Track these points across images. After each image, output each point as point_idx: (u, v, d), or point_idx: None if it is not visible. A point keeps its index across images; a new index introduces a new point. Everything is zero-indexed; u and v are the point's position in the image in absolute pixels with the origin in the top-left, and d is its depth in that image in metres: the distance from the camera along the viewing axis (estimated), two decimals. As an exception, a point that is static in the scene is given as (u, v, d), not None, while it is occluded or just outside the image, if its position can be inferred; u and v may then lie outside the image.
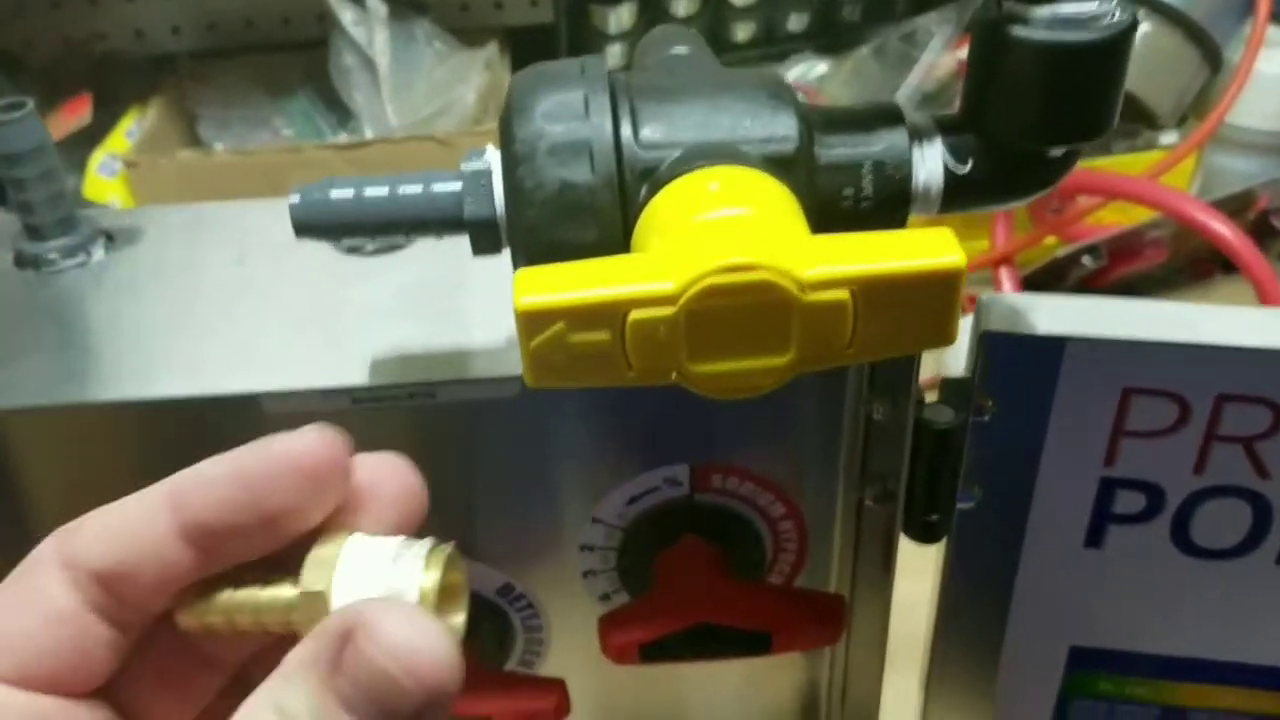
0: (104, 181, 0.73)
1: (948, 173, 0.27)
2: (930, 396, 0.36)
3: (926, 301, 0.24)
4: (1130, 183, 0.64)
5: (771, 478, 0.41)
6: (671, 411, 0.39)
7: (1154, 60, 0.73)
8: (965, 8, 0.86)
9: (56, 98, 0.76)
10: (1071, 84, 0.27)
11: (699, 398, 0.39)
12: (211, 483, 0.24)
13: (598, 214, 0.26)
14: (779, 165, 0.26)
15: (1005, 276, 0.70)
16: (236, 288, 0.37)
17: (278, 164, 0.67)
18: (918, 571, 0.41)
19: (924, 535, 0.36)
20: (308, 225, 0.29)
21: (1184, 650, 0.39)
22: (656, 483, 0.41)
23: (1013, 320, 0.33)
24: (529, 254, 0.27)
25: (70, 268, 0.37)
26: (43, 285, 0.36)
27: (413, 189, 0.28)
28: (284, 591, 0.24)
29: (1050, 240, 0.73)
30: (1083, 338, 0.32)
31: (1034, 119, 0.27)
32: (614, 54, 0.83)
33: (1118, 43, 0.26)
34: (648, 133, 0.26)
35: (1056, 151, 0.28)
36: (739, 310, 0.24)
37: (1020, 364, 0.33)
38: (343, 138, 0.72)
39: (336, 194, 0.28)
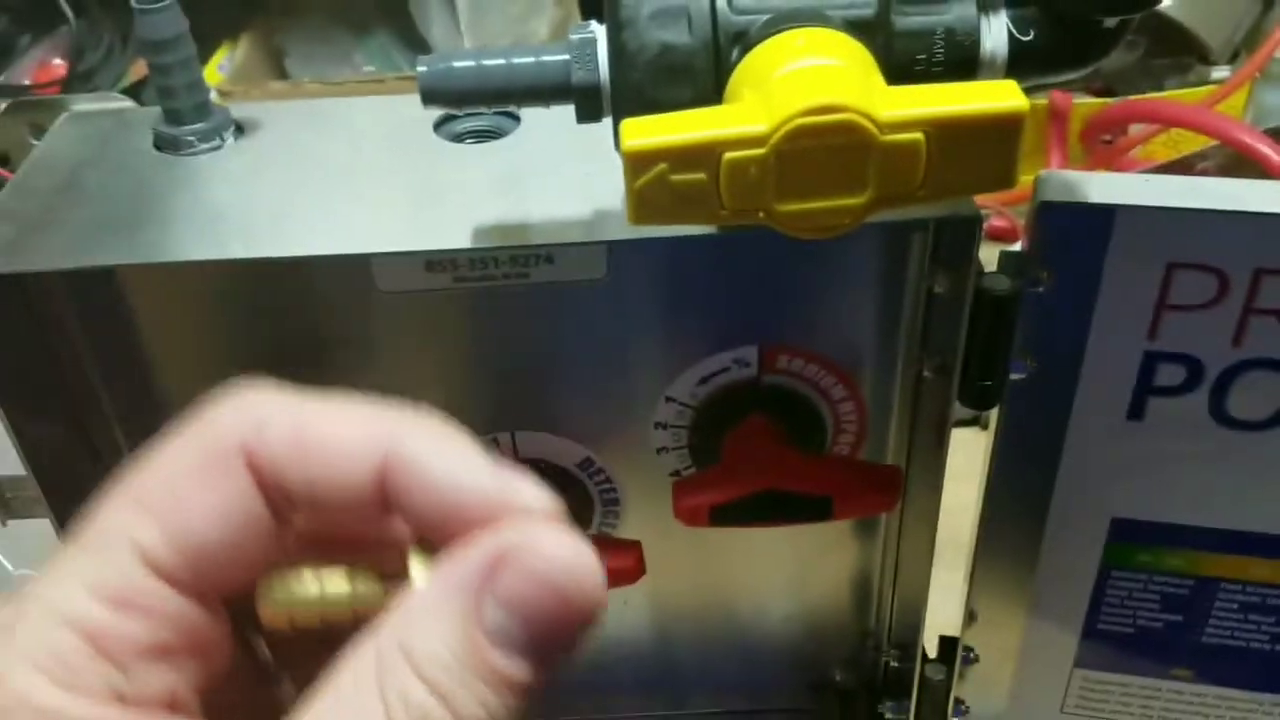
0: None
1: (1012, 40, 0.30)
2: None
3: (992, 144, 0.27)
4: (1181, 109, 0.67)
5: (834, 359, 0.44)
6: (741, 294, 0.43)
7: (1208, -4, 0.75)
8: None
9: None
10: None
11: (768, 279, 0.42)
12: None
13: (694, 74, 0.29)
14: (859, 29, 0.29)
15: (1057, 206, 0.73)
16: (350, 169, 0.40)
17: (362, 94, 0.71)
18: (966, 476, 0.44)
19: (979, 402, 0.39)
20: (433, 92, 0.32)
21: (1219, 522, 0.42)
22: (726, 363, 0.44)
23: (1068, 191, 0.35)
24: (630, 115, 0.30)
25: (204, 150, 0.40)
26: (180, 166, 0.40)
27: (525, 59, 0.32)
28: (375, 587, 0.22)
29: (1102, 170, 0.75)
30: (1131, 206, 0.35)
31: (1090, -9, 0.30)
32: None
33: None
34: (739, -1, 0.29)
35: (1110, 22, 0.30)
36: (823, 151, 0.27)
37: (1073, 234, 0.36)
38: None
39: (459, 64, 0.32)
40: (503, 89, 0.32)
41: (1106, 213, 0.36)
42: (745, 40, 0.29)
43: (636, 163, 0.28)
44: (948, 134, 0.27)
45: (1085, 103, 0.77)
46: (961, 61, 0.30)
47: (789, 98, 0.27)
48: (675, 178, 0.27)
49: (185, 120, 0.40)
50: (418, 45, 0.82)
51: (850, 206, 0.28)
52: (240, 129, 0.42)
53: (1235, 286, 0.36)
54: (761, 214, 0.28)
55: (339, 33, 0.82)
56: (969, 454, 0.43)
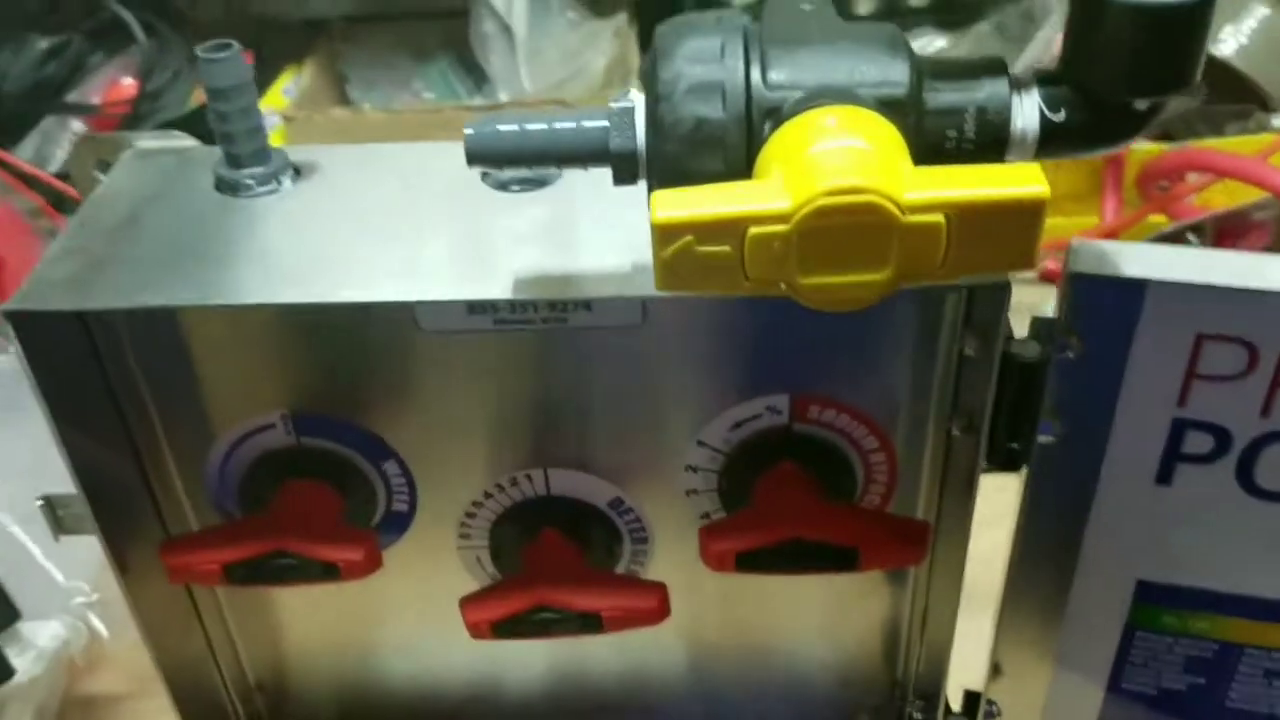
0: (262, 134, 0.80)
1: (1043, 120, 0.31)
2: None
3: (1013, 227, 0.28)
4: (1238, 161, 0.66)
5: (866, 411, 0.45)
6: (775, 344, 0.44)
7: (1269, 44, 0.74)
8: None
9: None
10: (1159, 42, 0.30)
11: (802, 331, 0.43)
12: None
13: (726, 147, 0.30)
14: (890, 107, 0.30)
15: (1106, 252, 0.72)
16: (401, 213, 0.42)
17: (420, 123, 0.73)
18: (995, 522, 0.44)
19: (1006, 464, 0.39)
20: (478, 153, 0.33)
21: (1244, 588, 0.42)
22: (758, 410, 0.45)
23: (1100, 263, 0.36)
24: (663, 182, 0.31)
25: (263, 194, 0.42)
26: (239, 208, 0.42)
27: (567, 124, 0.33)
28: None
29: (1157, 218, 0.75)
30: (1162, 281, 0.35)
31: (1124, 73, 0.30)
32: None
33: (1202, 6, 0.29)
34: (775, 75, 0.30)
35: (1143, 104, 0.31)
36: (846, 229, 0.28)
37: (1104, 305, 0.36)
38: (478, 100, 0.78)
39: (504, 127, 0.33)
40: (543, 151, 0.33)
41: (1137, 286, 0.36)
42: (778, 116, 0.30)
43: (665, 234, 0.29)
44: (969, 217, 0.27)
45: (1142, 149, 0.77)
46: (993, 140, 0.31)
47: (814, 177, 0.27)
48: (702, 249, 0.28)
49: (244, 164, 0.42)
50: (478, 72, 0.84)
51: (871, 282, 0.29)
52: (297, 172, 0.43)
53: (1264, 359, 0.36)
54: (784, 285, 0.29)
55: (401, 59, 0.84)
56: (1004, 498, 0.43)
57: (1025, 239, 0.28)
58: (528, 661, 0.55)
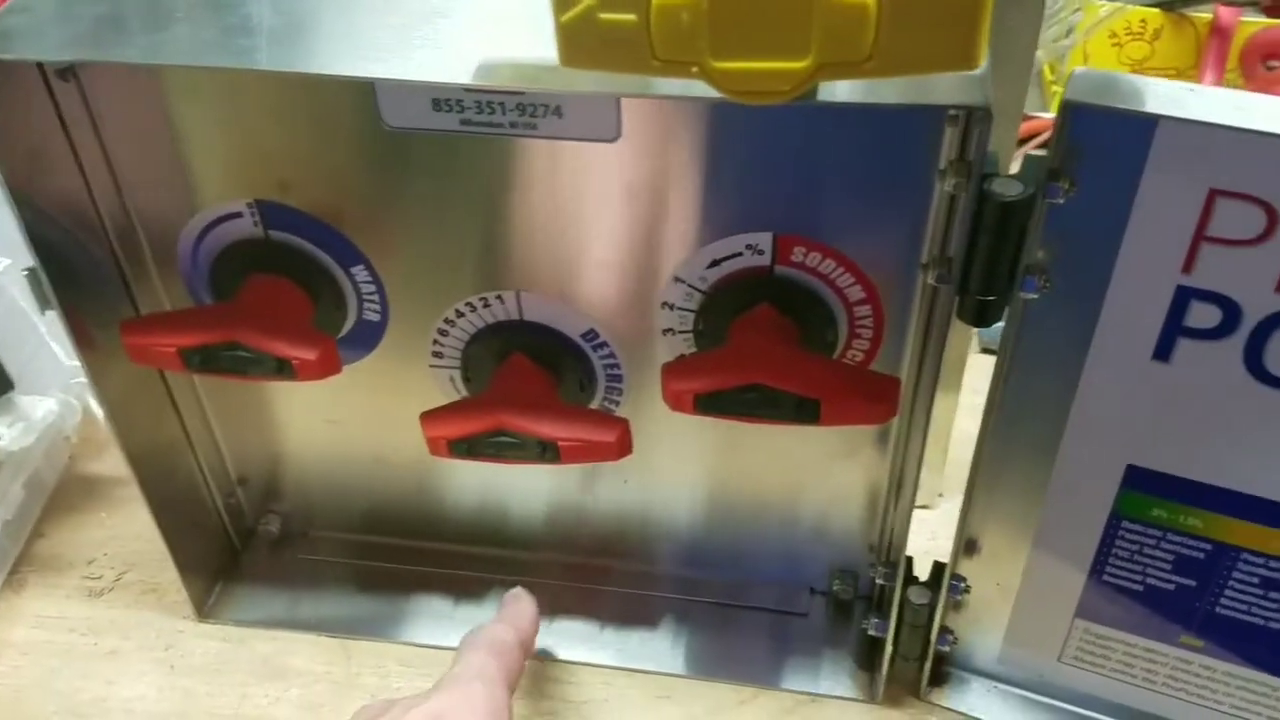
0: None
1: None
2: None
3: (949, 13, 0.24)
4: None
5: (853, 257, 0.41)
6: (760, 177, 0.40)
7: None
8: None
9: None
10: None
11: (789, 165, 0.40)
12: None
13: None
14: None
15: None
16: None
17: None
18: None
19: (976, 317, 0.36)
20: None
21: (1245, 486, 0.38)
22: (739, 248, 0.42)
23: (1103, 93, 0.31)
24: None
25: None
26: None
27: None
28: None
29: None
30: (1176, 119, 0.31)
31: None
32: None
33: None
34: None
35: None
36: (762, 5, 0.25)
37: (1106, 143, 0.32)
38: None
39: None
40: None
41: (1146, 123, 0.32)
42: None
43: (565, -3, 0.26)
44: (900, -2, 0.24)
45: (1253, 21, 0.69)
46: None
47: (728, -59, 0.24)
48: (604, 16, 0.26)
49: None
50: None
51: (789, 70, 0.25)
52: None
53: (1286, 223, 0.32)
54: (695, 69, 0.26)
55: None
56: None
57: (964, 29, 0.24)
58: (527, 493, 0.54)
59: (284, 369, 0.43)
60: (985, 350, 0.63)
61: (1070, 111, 0.32)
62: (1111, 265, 0.35)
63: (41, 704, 0.49)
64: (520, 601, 0.48)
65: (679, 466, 0.51)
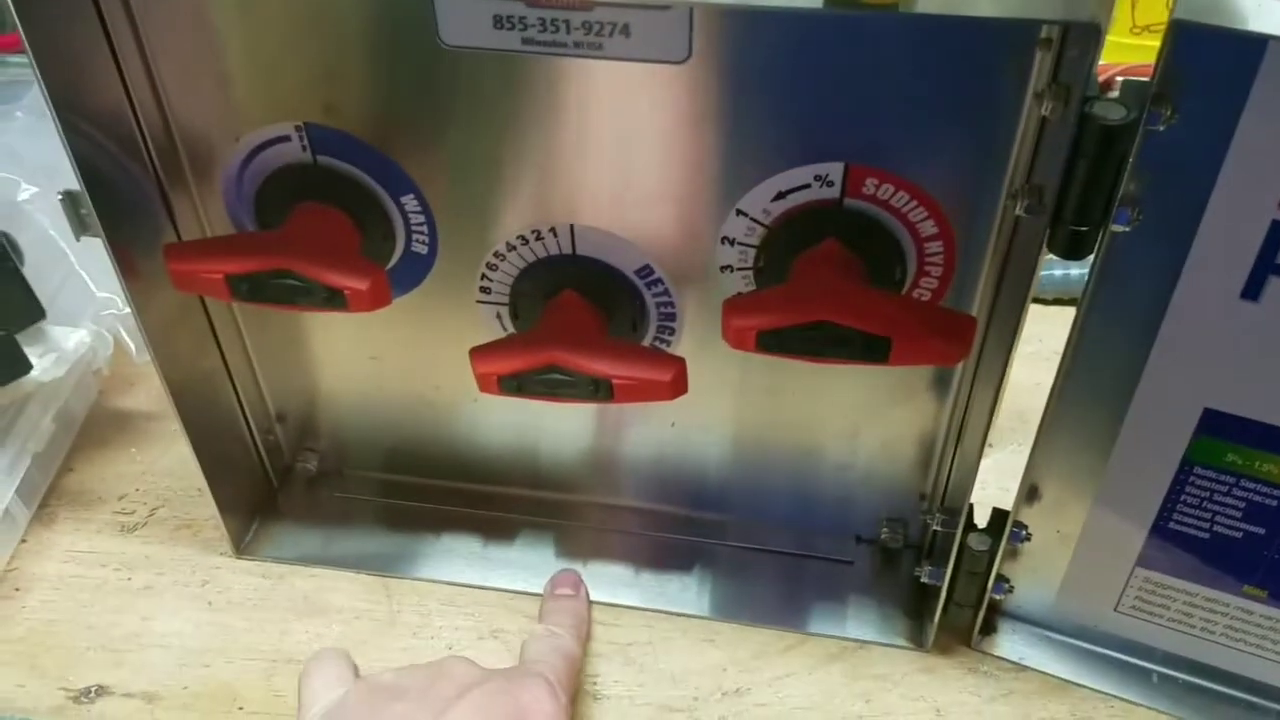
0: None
1: None
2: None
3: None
4: None
5: (928, 189, 0.40)
6: (833, 103, 0.39)
7: None
8: None
9: None
10: None
11: (866, 88, 0.38)
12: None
13: None
14: None
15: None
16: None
17: None
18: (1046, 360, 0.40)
19: (1069, 250, 0.35)
20: None
21: (1329, 430, 0.37)
22: (806, 179, 0.41)
23: (1212, 11, 0.30)
24: None
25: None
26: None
27: None
28: None
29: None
30: (1290, 40, 0.30)
31: None
32: None
33: None
34: None
35: None
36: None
37: (1212, 65, 0.31)
38: None
39: None
40: None
41: (1256, 44, 0.30)
42: None
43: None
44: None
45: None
46: None
47: None
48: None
49: None
50: None
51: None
52: None
53: (1400, 154, 0.31)
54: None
55: None
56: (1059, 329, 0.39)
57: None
58: (566, 434, 0.53)
59: (335, 299, 0.41)
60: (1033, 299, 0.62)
61: (1178, 31, 0.30)
62: (1206, 198, 0.33)
63: (74, 638, 0.49)
64: (577, 601, 0.49)
65: (726, 410, 0.50)
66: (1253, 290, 0.35)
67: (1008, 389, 0.54)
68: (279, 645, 0.48)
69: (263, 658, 0.48)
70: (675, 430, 0.51)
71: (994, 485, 0.52)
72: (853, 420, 0.49)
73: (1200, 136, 0.32)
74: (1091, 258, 0.36)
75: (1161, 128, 0.32)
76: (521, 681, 0.41)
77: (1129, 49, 0.74)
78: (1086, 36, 0.31)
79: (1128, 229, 0.34)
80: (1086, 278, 0.36)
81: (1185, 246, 0.35)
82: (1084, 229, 0.34)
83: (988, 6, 0.31)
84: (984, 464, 0.57)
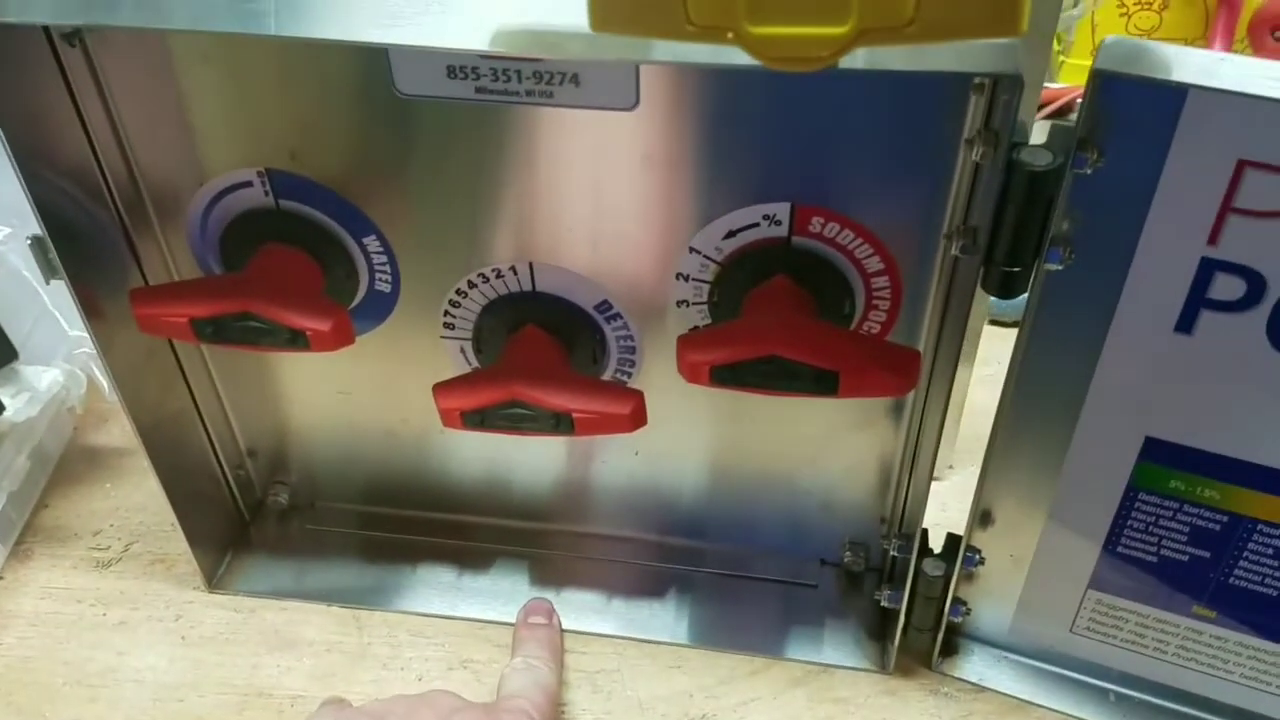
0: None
1: None
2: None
3: (993, -20, 0.23)
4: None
5: (872, 227, 0.41)
6: (779, 146, 0.40)
7: None
8: None
9: None
10: None
11: (810, 133, 0.39)
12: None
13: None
14: None
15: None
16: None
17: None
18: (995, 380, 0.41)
19: (1001, 289, 0.36)
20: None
21: (1263, 458, 0.38)
22: (756, 218, 0.42)
23: (1133, 62, 0.31)
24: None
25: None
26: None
27: None
28: None
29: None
30: (1206, 88, 0.31)
31: None
32: None
33: None
34: None
35: None
36: (802, -32, 0.24)
37: (1135, 112, 0.32)
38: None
39: None
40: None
41: (1176, 93, 0.31)
42: None
43: (600, -38, 0.25)
44: (943, -38, 0.23)
45: (1263, -10, 0.68)
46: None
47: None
48: (638, -20, 0.25)
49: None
50: None
51: (829, 37, 0.25)
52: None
53: (1316, 195, 0.32)
54: (731, 35, 0.25)
55: None
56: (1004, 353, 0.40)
57: (1008, -5, 0.23)
58: (535, 464, 0.54)
59: (297, 340, 0.42)
60: (994, 321, 0.63)
61: (1100, 80, 0.32)
62: (1136, 237, 0.35)
63: (51, 674, 0.49)
64: (551, 630, 0.50)
65: (689, 438, 0.51)
66: (1185, 324, 0.36)
67: (969, 413, 0.55)
68: (250, 679, 0.49)
69: (235, 692, 0.48)
70: (640, 459, 0.52)
71: (954, 508, 0.53)
72: (814, 447, 0.50)
73: (1128, 178, 0.33)
74: (1026, 295, 0.37)
75: (1089, 171, 0.33)
76: (503, 716, 0.42)
77: (1090, 71, 0.76)
78: (1010, 86, 0.32)
79: (1060, 267, 0.35)
80: (1024, 314, 0.37)
81: (1119, 283, 0.36)
82: (1016, 269, 0.35)
83: (915, 60, 0.32)
84: (947, 486, 0.58)
